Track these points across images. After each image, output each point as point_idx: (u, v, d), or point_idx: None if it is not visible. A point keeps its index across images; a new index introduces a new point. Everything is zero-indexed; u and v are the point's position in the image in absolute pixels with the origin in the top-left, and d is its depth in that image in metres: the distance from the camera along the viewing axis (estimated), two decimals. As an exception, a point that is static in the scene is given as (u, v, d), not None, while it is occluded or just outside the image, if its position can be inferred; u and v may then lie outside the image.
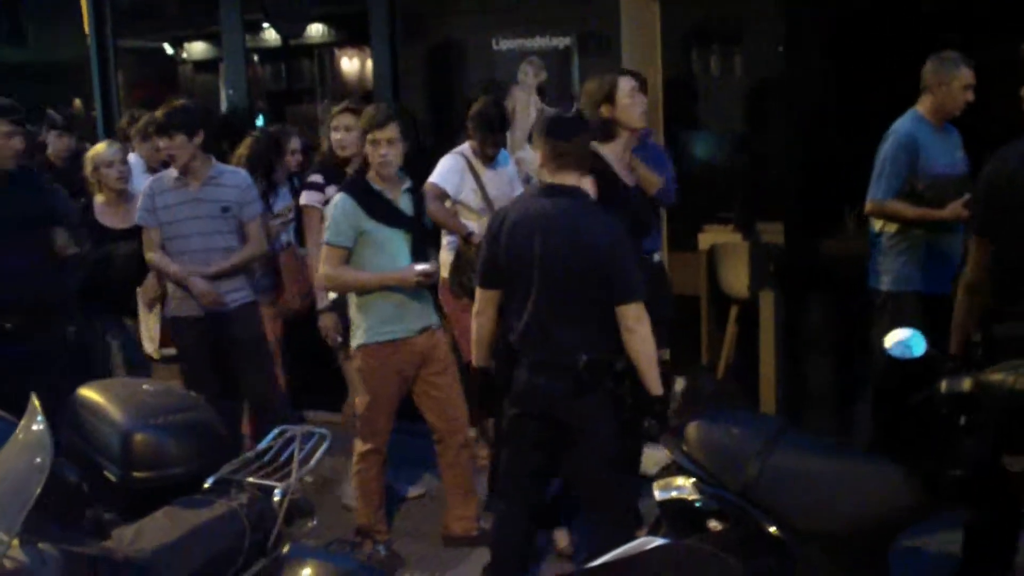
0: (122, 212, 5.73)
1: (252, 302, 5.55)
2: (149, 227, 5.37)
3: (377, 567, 1.86)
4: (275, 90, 9.34)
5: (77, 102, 7.01)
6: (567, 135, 4.07)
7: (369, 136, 4.69)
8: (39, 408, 1.89)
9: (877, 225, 5.05)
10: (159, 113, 5.38)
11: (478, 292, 4.25)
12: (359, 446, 5.01)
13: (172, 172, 5.38)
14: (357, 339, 4.84)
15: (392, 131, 4.66)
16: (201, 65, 9.79)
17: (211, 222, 5.34)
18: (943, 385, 3.35)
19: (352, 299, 4.88)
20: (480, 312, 4.23)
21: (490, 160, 5.53)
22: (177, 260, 5.34)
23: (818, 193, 5.74)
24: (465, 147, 5.53)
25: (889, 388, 4.21)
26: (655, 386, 3.98)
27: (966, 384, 3.30)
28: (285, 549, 2.03)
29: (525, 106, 6.41)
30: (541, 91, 6.39)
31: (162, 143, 5.31)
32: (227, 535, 3.14)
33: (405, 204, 4.81)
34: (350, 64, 9.39)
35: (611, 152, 4.58)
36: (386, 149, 4.65)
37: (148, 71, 9.65)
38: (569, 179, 4.05)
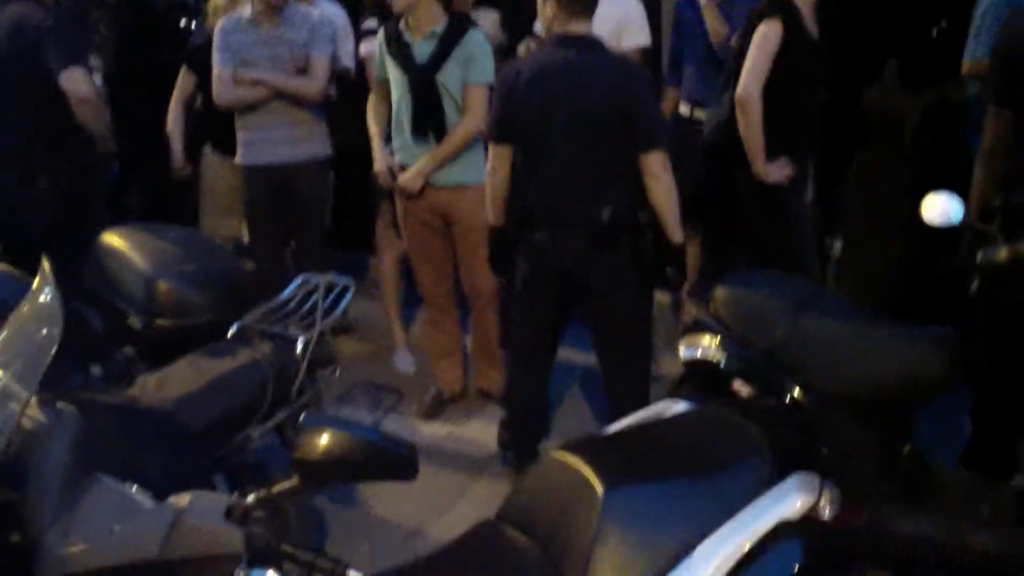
0: None
1: (327, 158, 5.36)
2: (227, 65, 5.11)
3: (396, 435, 1.84)
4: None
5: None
6: None
7: None
8: (50, 275, 1.85)
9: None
10: None
11: (491, 149, 4.13)
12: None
13: (245, 12, 5.16)
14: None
15: None
16: None
17: (284, 65, 5.12)
18: (978, 255, 3.27)
19: None
20: (494, 170, 4.14)
21: None
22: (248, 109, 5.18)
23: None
24: None
25: (921, 256, 4.13)
26: (677, 235, 3.93)
27: (1002, 255, 3.22)
28: (302, 417, 2.01)
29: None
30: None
31: None
32: (250, 385, 3.17)
33: (421, 50, 4.58)
34: None
35: (804, 2, 4.37)
36: None
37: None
38: (583, 27, 3.91)
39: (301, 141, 5.21)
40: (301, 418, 2.01)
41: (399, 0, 4.51)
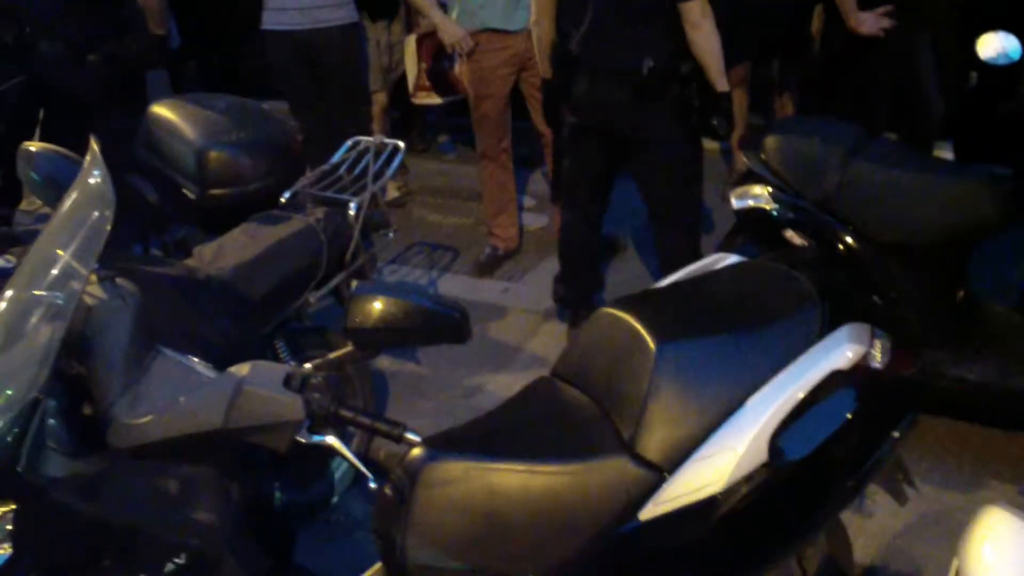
0: None
1: (352, 24, 5.24)
2: None
3: (452, 302, 1.85)
4: None
5: None
6: None
7: None
8: (99, 156, 1.85)
9: None
10: None
11: (534, 1, 4.08)
12: (479, 147, 5.10)
13: None
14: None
15: None
16: None
17: None
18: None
19: None
20: (537, 21, 4.09)
21: None
22: None
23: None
24: None
25: (978, 96, 4.02)
26: (721, 82, 3.84)
27: (1062, 92, 3.14)
28: (354, 285, 2.04)
29: None
30: None
31: None
32: (305, 250, 3.21)
33: None
34: None
35: None
36: None
37: None
38: None
39: (320, 8, 5.09)
40: (353, 286, 2.03)
41: None
